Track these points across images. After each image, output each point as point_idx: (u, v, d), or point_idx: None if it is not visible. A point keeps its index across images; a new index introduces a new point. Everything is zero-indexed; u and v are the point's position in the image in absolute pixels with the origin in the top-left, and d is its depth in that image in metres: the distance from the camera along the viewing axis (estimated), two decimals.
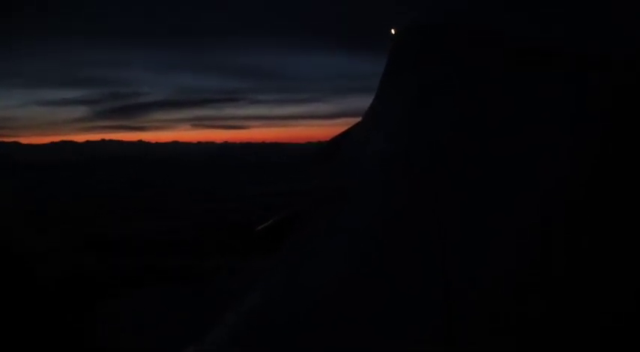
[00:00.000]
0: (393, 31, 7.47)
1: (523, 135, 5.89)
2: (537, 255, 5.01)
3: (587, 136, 5.49)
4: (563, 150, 5.55)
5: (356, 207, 6.35)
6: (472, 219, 5.58)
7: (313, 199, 7.57)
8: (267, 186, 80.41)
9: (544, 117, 5.87)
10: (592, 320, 4.51)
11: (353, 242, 6.20)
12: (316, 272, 6.31)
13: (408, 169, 6.42)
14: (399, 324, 5.17)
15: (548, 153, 5.59)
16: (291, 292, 6.26)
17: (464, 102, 6.25)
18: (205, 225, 45.02)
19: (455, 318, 4.82)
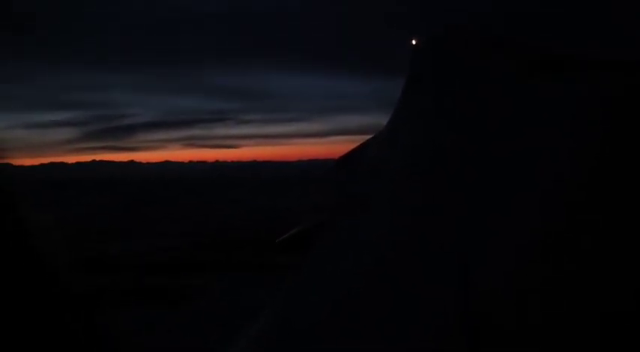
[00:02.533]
0: (413, 42, 7.50)
1: (523, 137, 5.96)
2: (536, 257, 5.07)
3: (588, 138, 5.57)
4: (563, 151, 5.61)
5: (370, 220, 6.40)
6: (471, 220, 5.63)
7: (333, 211, 7.59)
8: (261, 202, 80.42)
9: (544, 118, 5.95)
10: (592, 321, 4.55)
11: (363, 255, 6.24)
12: (326, 286, 6.34)
13: (411, 177, 6.48)
14: (401, 326, 5.22)
15: (548, 154, 5.66)
16: (300, 309, 6.29)
17: (466, 105, 6.32)
18: (199, 242, 44.90)
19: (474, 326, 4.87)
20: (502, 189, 5.85)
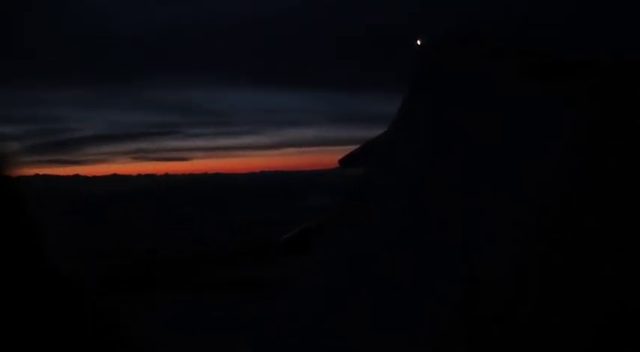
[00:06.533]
0: (418, 42, 7.55)
1: (521, 139, 6.00)
2: (532, 253, 5.11)
3: (584, 140, 5.64)
4: (560, 153, 5.67)
5: (371, 222, 6.32)
6: (470, 219, 5.63)
7: (333, 213, 7.53)
8: (213, 215, 78.94)
9: (543, 121, 6.00)
10: (587, 321, 4.58)
11: (364, 256, 6.13)
12: (327, 288, 6.19)
13: (412, 178, 6.43)
14: (402, 326, 5.20)
15: (545, 156, 5.71)
16: (302, 310, 6.15)
17: (466, 109, 6.34)
18: (144, 260, 43.38)
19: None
20: (500, 189, 5.87)
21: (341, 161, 8.48)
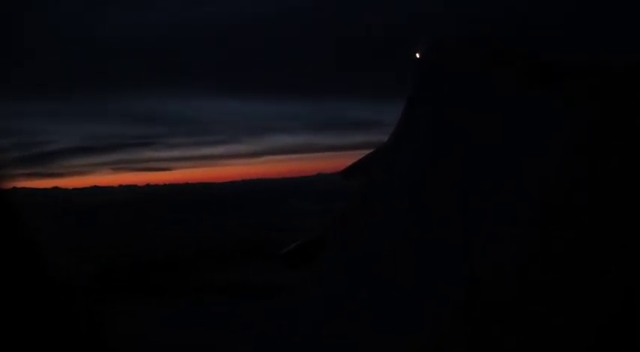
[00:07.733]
0: (417, 55, 7.59)
1: (519, 143, 6.03)
2: (533, 252, 5.13)
3: (581, 142, 5.68)
4: (558, 156, 5.70)
5: (375, 227, 6.31)
6: (472, 221, 5.64)
7: (337, 223, 7.51)
8: (203, 221, 78.33)
9: (542, 124, 6.04)
10: (588, 321, 4.59)
11: (368, 263, 6.10)
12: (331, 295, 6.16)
13: (413, 184, 6.43)
14: (404, 328, 5.19)
15: (543, 158, 5.74)
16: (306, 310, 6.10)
17: (466, 115, 6.36)
18: (143, 260, 42.89)
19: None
20: (501, 188, 5.90)
21: (343, 172, 8.47)
